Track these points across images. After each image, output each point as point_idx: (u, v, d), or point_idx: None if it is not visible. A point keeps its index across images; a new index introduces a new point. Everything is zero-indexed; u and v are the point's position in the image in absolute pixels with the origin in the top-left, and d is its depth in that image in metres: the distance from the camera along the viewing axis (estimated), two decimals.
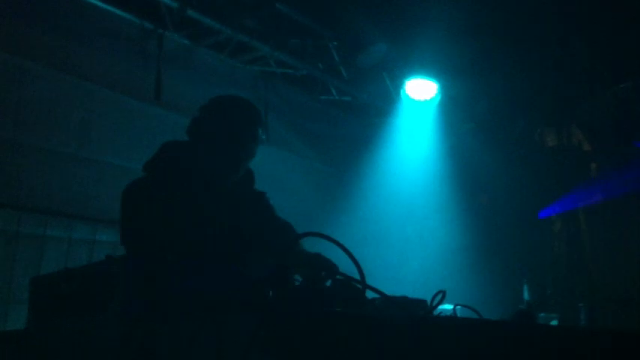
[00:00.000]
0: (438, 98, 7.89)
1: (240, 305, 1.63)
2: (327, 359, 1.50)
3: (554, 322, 5.52)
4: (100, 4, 5.68)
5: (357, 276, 2.05)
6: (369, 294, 2.03)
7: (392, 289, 2.20)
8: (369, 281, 2.05)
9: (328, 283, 2.09)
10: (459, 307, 2.72)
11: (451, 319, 2.09)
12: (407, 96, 7.84)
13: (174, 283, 1.69)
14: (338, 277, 2.06)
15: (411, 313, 1.99)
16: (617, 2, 6.36)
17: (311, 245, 2.46)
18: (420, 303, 2.16)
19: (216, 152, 2.58)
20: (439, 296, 2.12)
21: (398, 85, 7.90)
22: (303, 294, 1.74)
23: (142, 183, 2.51)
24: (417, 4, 6.56)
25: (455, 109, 8.32)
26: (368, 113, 8.56)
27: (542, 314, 5.55)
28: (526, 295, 6.13)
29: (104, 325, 1.60)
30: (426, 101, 7.90)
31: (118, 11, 5.81)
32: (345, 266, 2.18)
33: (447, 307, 2.69)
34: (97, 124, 5.78)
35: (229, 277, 1.82)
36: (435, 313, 2.16)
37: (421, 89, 7.81)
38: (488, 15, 6.64)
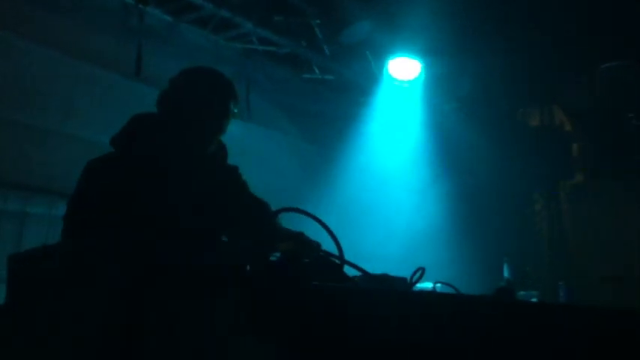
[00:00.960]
0: (422, 78, 7.89)
1: (216, 280, 1.62)
2: (306, 335, 1.50)
3: (534, 300, 5.58)
4: None
5: (337, 252, 2.06)
6: (351, 272, 2.04)
7: (374, 267, 2.21)
8: (352, 259, 2.05)
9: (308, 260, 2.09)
10: (438, 284, 2.75)
11: (430, 293, 2.11)
12: (390, 75, 7.83)
13: (154, 258, 1.68)
14: (319, 254, 2.06)
15: (391, 288, 2.00)
16: None
17: (295, 224, 2.45)
18: (400, 280, 2.17)
19: (184, 126, 2.53)
20: (419, 273, 2.13)
21: (381, 64, 7.88)
22: (280, 270, 1.74)
23: (106, 157, 2.46)
24: None
25: (438, 89, 8.32)
26: (351, 92, 8.53)
27: (522, 292, 5.60)
28: (506, 273, 6.18)
29: (85, 301, 1.59)
30: (409, 81, 7.90)
31: None
32: (329, 245, 2.18)
33: (427, 284, 2.72)
34: (80, 100, 5.73)
35: (202, 252, 1.81)
36: (415, 290, 2.17)
37: (405, 68, 7.80)
38: None
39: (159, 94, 2.61)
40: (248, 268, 1.73)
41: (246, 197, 2.73)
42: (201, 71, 2.68)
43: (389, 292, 1.81)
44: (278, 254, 1.87)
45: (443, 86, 8.34)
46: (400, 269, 2.43)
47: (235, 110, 2.66)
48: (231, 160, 2.81)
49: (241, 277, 1.68)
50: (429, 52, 7.67)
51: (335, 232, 2.13)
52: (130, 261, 1.60)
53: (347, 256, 2.06)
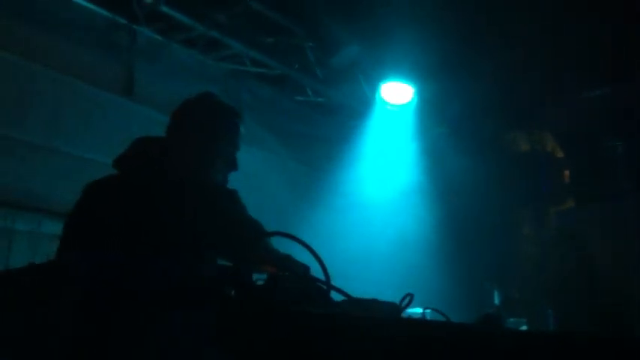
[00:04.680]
0: (415, 102, 7.92)
1: (197, 302, 1.60)
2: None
3: (523, 327, 5.56)
4: None
5: (327, 277, 2.02)
6: (339, 296, 2.01)
7: (362, 290, 2.18)
8: (340, 280, 2.02)
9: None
10: (428, 310, 2.72)
11: (421, 321, 2.08)
12: (382, 99, 7.85)
13: (135, 280, 1.65)
14: (304, 277, 2.03)
15: (379, 314, 1.97)
16: (589, 6, 6.41)
17: (285, 247, 2.42)
18: (389, 305, 2.14)
19: (186, 154, 2.51)
20: (407, 299, 2.10)
21: (373, 88, 7.90)
22: (264, 292, 1.71)
23: (106, 180, 2.46)
24: (392, 6, 6.56)
25: (428, 113, 8.34)
26: (343, 114, 8.54)
27: (511, 319, 5.58)
28: (496, 300, 6.16)
29: (60, 322, 1.56)
30: (401, 105, 7.92)
31: (89, 5, 5.74)
32: (318, 269, 2.15)
33: (417, 310, 2.68)
34: (68, 116, 5.71)
35: (186, 273, 1.78)
36: (404, 316, 2.14)
37: (397, 93, 7.82)
38: (460, 18, 6.67)
39: (170, 117, 2.60)
40: (232, 292, 1.71)
41: (241, 219, 2.70)
42: (209, 98, 2.67)
43: (379, 320, 1.79)
44: (264, 277, 1.84)
45: (433, 110, 8.37)
46: (389, 292, 2.40)
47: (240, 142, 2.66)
48: None
49: (221, 300, 1.65)
50: (419, 77, 7.70)
51: (323, 253, 2.10)
52: (108, 279, 1.57)
53: (334, 278, 2.03)
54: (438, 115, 8.49)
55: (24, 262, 1.89)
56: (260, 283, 1.79)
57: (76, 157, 5.61)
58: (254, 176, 6.66)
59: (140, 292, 1.60)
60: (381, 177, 8.24)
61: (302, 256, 2.28)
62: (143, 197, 2.36)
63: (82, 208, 2.40)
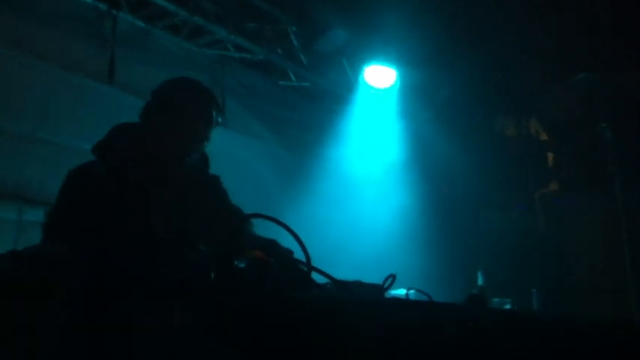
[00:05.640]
0: (397, 86, 7.93)
1: (182, 290, 1.61)
2: (276, 344, 1.49)
3: (507, 307, 5.61)
4: None
5: (310, 260, 2.04)
6: (322, 279, 2.03)
7: (348, 273, 2.20)
8: (326, 264, 2.04)
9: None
10: (412, 291, 2.75)
11: (402, 300, 2.10)
12: (366, 83, 7.86)
13: (117, 269, 1.66)
14: (288, 261, 2.05)
15: (362, 296, 1.99)
16: None
17: (270, 231, 2.43)
18: (373, 287, 2.16)
19: (163, 134, 2.53)
20: (390, 280, 2.13)
21: (357, 72, 7.91)
22: (247, 276, 1.72)
23: (87, 166, 2.47)
24: None
25: (414, 97, 8.36)
26: (327, 99, 8.54)
27: (496, 299, 5.63)
28: (480, 281, 6.21)
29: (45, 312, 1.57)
30: (385, 89, 7.93)
31: None
32: (302, 254, 2.16)
33: (401, 291, 2.71)
34: (53, 105, 5.68)
35: (170, 262, 1.79)
36: (387, 296, 2.17)
37: (380, 76, 7.83)
38: (449, 3, 6.67)
39: (143, 105, 2.60)
40: (212, 275, 1.72)
41: (223, 205, 2.73)
42: (179, 80, 2.69)
43: (361, 301, 1.81)
44: (246, 261, 1.86)
45: (419, 95, 8.39)
46: (375, 276, 2.43)
47: (219, 119, 2.66)
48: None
49: (205, 284, 1.67)
50: (404, 61, 7.71)
51: (310, 238, 2.12)
52: (92, 268, 1.58)
53: (321, 262, 2.05)
54: (423, 99, 8.50)
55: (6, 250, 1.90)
56: (242, 267, 1.81)
57: (62, 146, 5.59)
58: (239, 161, 6.67)
59: (124, 282, 1.62)
60: (366, 161, 8.26)
61: (287, 240, 2.30)
62: (126, 185, 2.37)
63: (64, 196, 2.42)
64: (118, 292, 1.55)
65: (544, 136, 8.62)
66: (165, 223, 2.35)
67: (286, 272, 1.87)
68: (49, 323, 1.54)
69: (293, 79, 7.96)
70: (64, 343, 1.52)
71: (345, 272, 2.15)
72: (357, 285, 2.09)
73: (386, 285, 2.11)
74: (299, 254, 2.16)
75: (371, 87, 7.90)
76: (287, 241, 2.32)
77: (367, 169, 8.23)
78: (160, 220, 2.34)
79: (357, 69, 7.90)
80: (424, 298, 2.49)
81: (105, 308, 1.53)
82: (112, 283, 1.56)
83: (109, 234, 2.20)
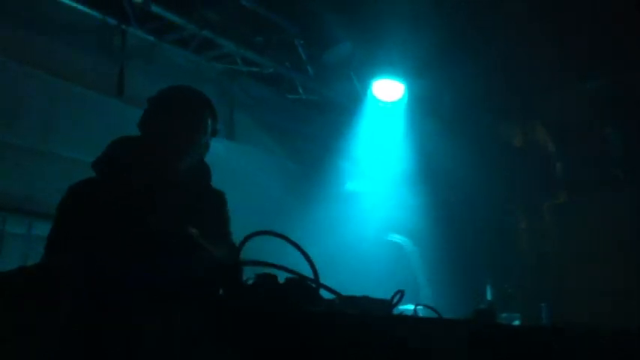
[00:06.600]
0: (406, 99, 7.93)
1: (187, 301, 1.60)
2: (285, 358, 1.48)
3: (516, 322, 5.57)
4: None
5: (316, 276, 2.03)
6: (330, 294, 2.01)
7: (356, 288, 2.18)
8: (333, 278, 2.02)
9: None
10: (419, 307, 2.72)
11: (411, 317, 2.09)
12: (374, 96, 7.86)
13: (117, 279, 1.65)
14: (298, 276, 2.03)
15: (370, 312, 1.97)
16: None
17: (279, 247, 2.40)
18: (382, 303, 2.14)
19: (156, 139, 2.50)
20: (398, 296, 2.11)
21: (365, 85, 7.92)
22: (256, 293, 1.71)
23: (86, 182, 2.46)
24: (382, 3, 6.57)
25: (421, 107, 8.36)
26: (335, 112, 8.55)
27: (504, 314, 5.60)
28: (489, 296, 6.18)
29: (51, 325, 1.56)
30: (393, 102, 7.93)
31: (80, 6, 5.73)
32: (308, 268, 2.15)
33: (409, 307, 2.69)
34: (60, 119, 5.70)
35: (176, 275, 1.78)
36: (395, 312, 2.15)
37: (389, 90, 7.83)
38: (453, 12, 6.68)
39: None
40: (220, 290, 1.71)
41: (219, 232, 2.63)
42: (174, 86, 2.65)
43: (369, 317, 1.79)
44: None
45: (425, 105, 8.38)
46: (381, 290, 2.41)
47: (217, 128, 2.64)
48: (215, 179, 2.74)
49: (212, 298, 1.66)
50: (411, 73, 7.71)
51: (315, 251, 2.10)
52: (93, 281, 1.57)
53: (327, 276, 2.03)
54: (430, 109, 8.49)
55: (15, 266, 1.90)
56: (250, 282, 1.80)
57: (69, 159, 5.60)
58: (247, 174, 6.67)
59: (129, 295, 1.61)
60: (373, 173, 8.25)
61: (294, 255, 2.28)
62: (129, 199, 2.36)
63: (66, 211, 2.41)
64: (125, 306, 1.54)
65: (549, 143, 8.60)
66: (173, 240, 2.31)
67: (295, 288, 1.86)
68: (49, 323, 1.54)
69: (301, 91, 7.98)
70: (64, 344, 1.51)
71: (346, 284, 2.13)
72: (365, 300, 2.07)
73: (394, 301, 2.09)
74: (305, 269, 2.15)
75: (379, 100, 7.90)
76: (294, 257, 2.31)
77: (374, 181, 8.23)
78: (166, 236, 2.31)
79: (364, 82, 7.91)
80: (432, 314, 2.47)
81: (110, 321, 1.52)
82: (117, 296, 1.55)
83: (111, 241, 2.20)
